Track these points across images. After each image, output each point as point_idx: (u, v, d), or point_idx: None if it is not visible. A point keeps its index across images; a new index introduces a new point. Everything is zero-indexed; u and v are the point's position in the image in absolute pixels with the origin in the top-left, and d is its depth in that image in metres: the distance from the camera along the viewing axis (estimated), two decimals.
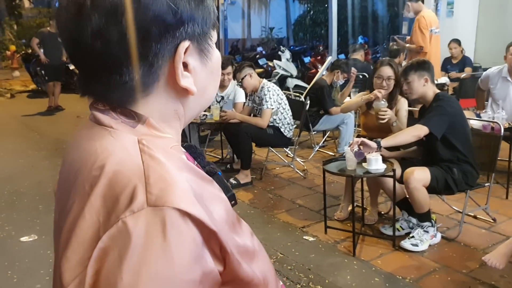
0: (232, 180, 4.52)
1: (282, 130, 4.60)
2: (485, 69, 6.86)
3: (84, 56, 0.62)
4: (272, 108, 4.51)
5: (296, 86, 7.75)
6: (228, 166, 5.06)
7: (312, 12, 20.00)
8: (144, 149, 0.59)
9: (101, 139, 0.61)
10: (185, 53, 0.62)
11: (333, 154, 5.37)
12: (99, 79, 0.62)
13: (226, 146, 5.55)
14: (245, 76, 4.59)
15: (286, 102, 4.68)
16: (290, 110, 4.67)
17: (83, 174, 0.58)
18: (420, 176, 3.13)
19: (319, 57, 8.75)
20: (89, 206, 0.54)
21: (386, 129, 3.60)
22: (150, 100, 0.64)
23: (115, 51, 0.59)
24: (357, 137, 3.83)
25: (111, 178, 0.55)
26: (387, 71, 3.66)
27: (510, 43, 4.48)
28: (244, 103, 5.01)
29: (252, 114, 4.82)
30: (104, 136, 0.61)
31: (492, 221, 3.59)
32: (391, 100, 3.70)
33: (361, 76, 6.50)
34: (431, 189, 3.20)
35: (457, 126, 3.23)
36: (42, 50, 8.25)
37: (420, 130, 3.14)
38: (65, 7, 0.61)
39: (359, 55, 6.84)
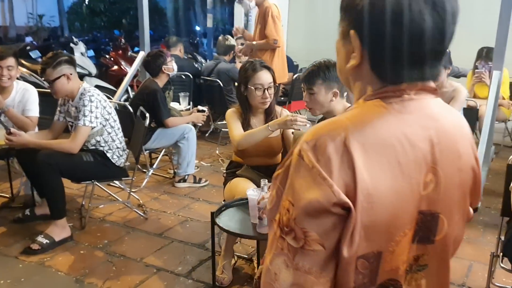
0: (41, 239, 2.98)
1: (109, 155, 3.24)
2: (298, 67, 6.59)
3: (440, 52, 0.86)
4: (93, 126, 3.10)
5: (98, 87, 6.20)
6: (27, 212, 3.37)
7: (88, 0, 18.35)
8: None
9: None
10: None
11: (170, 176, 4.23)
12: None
13: (18, 176, 3.84)
14: (61, 76, 3.04)
15: (116, 118, 3.28)
16: (120, 129, 3.32)
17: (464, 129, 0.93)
18: None
19: (120, 52, 7.30)
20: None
21: (274, 152, 2.71)
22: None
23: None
24: (232, 164, 2.80)
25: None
26: (266, 77, 2.69)
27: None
28: (48, 117, 3.45)
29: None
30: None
31: None
32: (270, 115, 2.77)
33: (184, 77, 5.45)
34: None
35: None
36: None
37: None
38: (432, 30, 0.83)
39: (177, 51, 5.75)
